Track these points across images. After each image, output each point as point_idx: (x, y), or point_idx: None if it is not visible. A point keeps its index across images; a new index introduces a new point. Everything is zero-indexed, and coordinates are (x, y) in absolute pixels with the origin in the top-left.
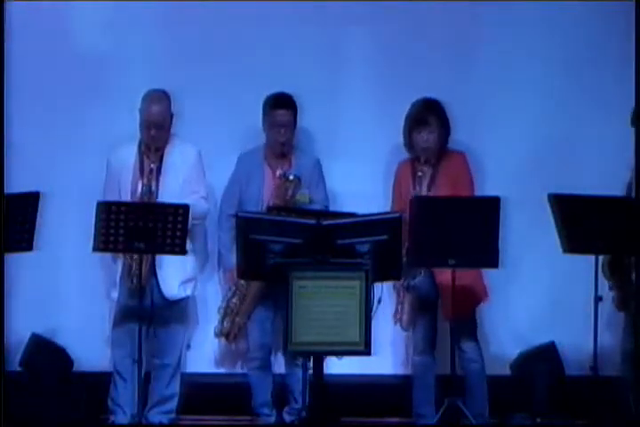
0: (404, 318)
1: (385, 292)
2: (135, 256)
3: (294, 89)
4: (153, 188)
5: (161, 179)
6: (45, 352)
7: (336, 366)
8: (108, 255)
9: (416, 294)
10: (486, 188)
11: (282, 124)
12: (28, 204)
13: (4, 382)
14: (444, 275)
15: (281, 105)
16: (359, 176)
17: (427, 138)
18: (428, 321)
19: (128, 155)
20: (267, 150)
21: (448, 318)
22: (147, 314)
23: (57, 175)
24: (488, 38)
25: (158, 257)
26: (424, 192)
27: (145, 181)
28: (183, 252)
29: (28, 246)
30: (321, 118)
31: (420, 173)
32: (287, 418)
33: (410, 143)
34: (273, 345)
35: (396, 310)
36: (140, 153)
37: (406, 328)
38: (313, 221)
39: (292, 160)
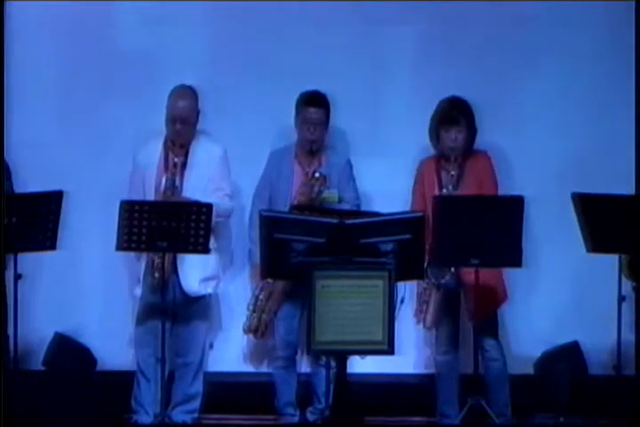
0: (428, 317)
1: (407, 291)
2: (156, 260)
3: (327, 88)
4: (177, 182)
5: (185, 174)
6: (68, 352)
7: (359, 365)
8: (131, 254)
9: (442, 294)
10: (509, 187)
11: (313, 121)
12: (52, 203)
13: (4, 382)
14: (469, 275)
15: (313, 103)
16: (392, 175)
17: (455, 137)
18: (452, 321)
19: (153, 151)
20: (297, 148)
21: (471, 317)
22: (169, 310)
23: (80, 174)
24: (516, 37)
25: (180, 257)
26: (451, 191)
27: (169, 175)
28: (206, 251)
29: (52, 245)
30: (355, 118)
31: (452, 172)
32: (311, 418)
33: (437, 142)
34: (299, 344)
35: (419, 310)
36: (165, 148)
37: (429, 328)
38: (336, 221)
39: (322, 158)
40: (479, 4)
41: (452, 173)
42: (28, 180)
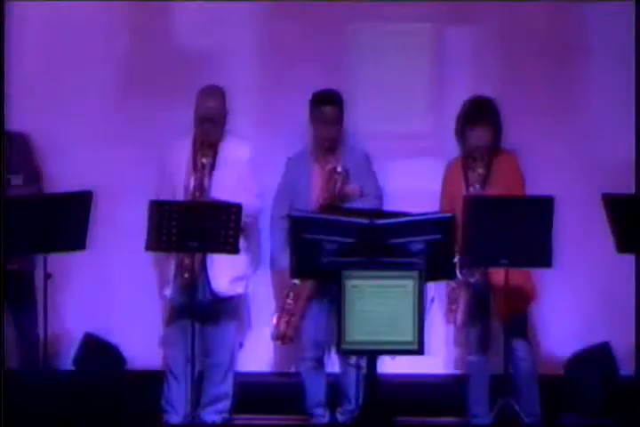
0: (459, 317)
1: (437, 291)
2: (186, 260)
3: (343, 86)
4: (205, 183)
5: (214, 174)
6: (98, 351)
7: (389, 365)
8: (160, 254)
9: (471, 294)
10: (535, 186)
11: (327, 120)
12: (81, 203)
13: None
14: (498, 274)
15: (326, 101)
16: (415, 174)
17: (480, 136)
18: (482, 321)
19: (182, 150)
20: (313, 147)
21: (500, 317)
22: (198, 311)
23: (110, 174)
24: (540, 36)
25: (209, 257)
26: (478, 191)
27: (197, 176)
28: (236, 251)
29: (81, 245)
30: (374, 116)
31: (479, 171)
32: (340, 418)
33: (462, 141)
34: (327, 344)
35: (449, 309)
36: (194, 149)
37: (460, 327)
38: (366, 221)
39: (339, 156)
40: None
41: (479, 171)
42: (58, 180)
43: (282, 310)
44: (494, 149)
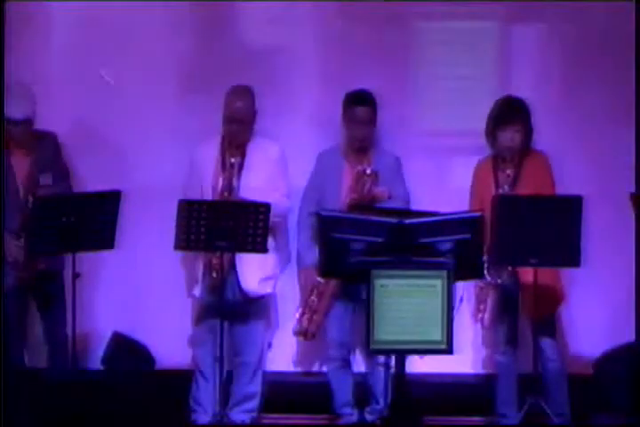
0: (486, 317)
1: (464, 291)
2: (215, 259)
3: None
4: (234, 183)
5: (242, 174)
6: (127, 350)
7: (417, 365)
8: (189, 254)
9: (499, 293)
10: (566, 187)
11: (360, 120)
12: (110, 202)
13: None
14: (528, 274)
15: (360, 101)
16: (446, 174)
17: (511, 137)
18: (510, 320)
19: (210, 150)
20: (345, 147)
21: (529, 317)
22: (227, 310)
23: (139, 173)
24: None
25: (238, 254)
26: (507, 191)
27: (225, 176)
28: (264, 250)
29: (110, 245)
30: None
31: (506, 173)
32: (369, 418)
33: (493, 142)
34: (352, 344)
35: (477, 309)
36: (222, 148)
37: (487, 327)
38: (394, 220)
39: (371, 157)
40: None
41: (509, 172)
42: (87, 179)
43: (305, 306)
44: (524, 149)
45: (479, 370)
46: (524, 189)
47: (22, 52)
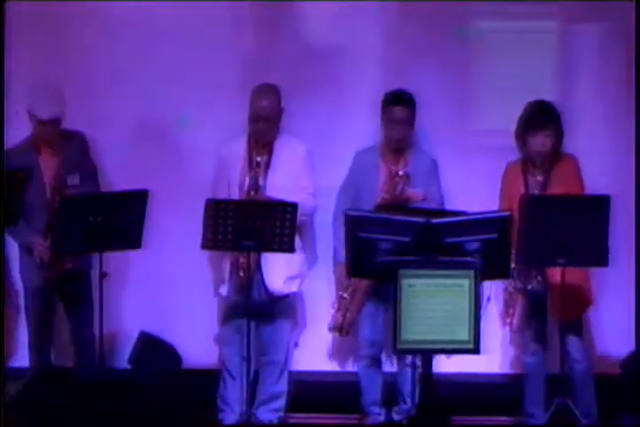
0: (515, 321)
1: (491, 290)
2: (241, 259)
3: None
4: (260, 182)
5: (269, 173)
6: (154, 350)
7: (445, 364)
8: (215, 254)
9: (528, 299)
10: (595, 189)
11: (398, 120)
12: (137, 201)
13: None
14: (556, 276)
15: (398, 102)
16: (475, 175)
17: (542, 142)
18: (539, 323)
19: (237, 149)
20: (382, 147)
21: (557, 319)
22: (254, 310)
23: (166, 173)
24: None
25: (264, 254)
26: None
27: (252, 175)
28: (291, 250)
29: (137, 244)
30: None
31: (535, 178)
32: (396, 418)
33: (523, 146)
34: (383, 343)
35: (506, 313)
36: (249, 147)
37: (516, 331)
38: (422, 220)
39: (407, 157)
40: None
41: (539, 177)
42: (115, 179)
43: (339, 302)
44: (555, 154)
45: (507, 370)
46: (554, 193)
47: (57, 52)
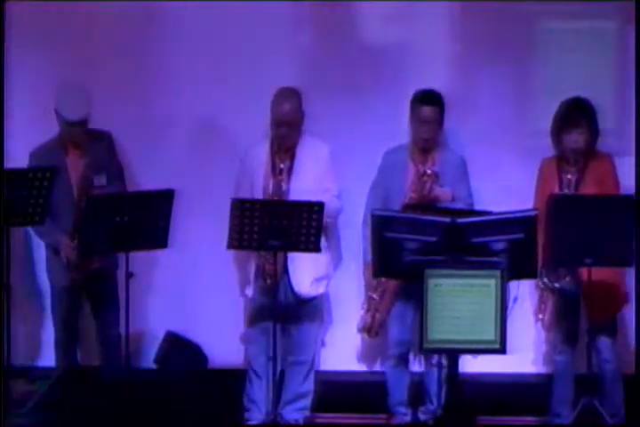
0: (546, 318)
1: (526, 289)
2: (268, 256)
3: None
4: (284, 188)
5: (292, 177)
6: (180, 349)
7: (472, 364)
8: (241, 254)
9: (560, 296)
10: (630, 189)
11: (427, 120)
12: (163, 201)
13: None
14: (590, 276)
15: (427, 101)
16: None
17: (576, 139)
18: (571, 322)
19: (260, 153)
20: (411, 146)
21: (590, 319)
22: (280, 312)
23: (192, 172)
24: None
25: (290, 256)
26: (568, 191)
27: (276, 181)
28: (317, 249)
29: (163, 244)
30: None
31: (569, 176)
32: (423, 417)
33: (558, 143)
34: (411, 343)
35: (539, 310)
36: (272, 152)
37: (548, 329)
38: (448, 220)
39: (436, 157)
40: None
41: (573, 175)
42: (141, 179)
43: (369, 303)
44: (589, 152)
45: (534, 370)
46: (587, 191)
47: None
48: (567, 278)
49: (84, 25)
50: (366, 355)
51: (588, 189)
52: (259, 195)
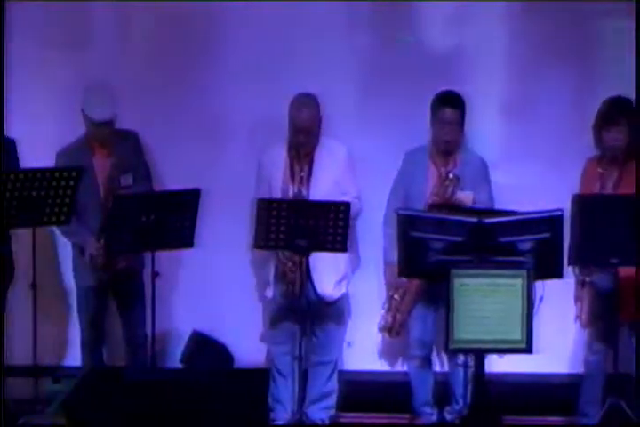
0: (583, 316)
1: (553, 289)
2: (289, 264)
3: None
4: (304, 192)
5: (312, 182)
6: (206, 349)
7: (498, 364)
8: (260, 255)
9: (595, 292)
10: None
11: (448, 121)
12: (189, 201)
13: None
14: (627, 273)
15: (448, 103)
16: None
17: (615, 137)
18: (607, 320)
19: (278, 157)
20: (432, 148)
21: (626, 318)
22: (304, 315)
23: (218, 172)
24: None
25: (312, 258)
26: (609, 191)
27: (296, 187)
28: (344, 249)
29: (189, 243)
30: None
31: (612, 172)
32: (448, 417)
33: (599, 142)
34: (434, 343)
35: (578, 308)
36: (290, 157)
37: (585, 326)
38: (474, 219)
39: (457, 159)
40: None
41: (612, 174)
42: (168, 178)
43: (389, 303)
44: (631, 149)
45: (560, 370)
46: (627, 189)
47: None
48: (599, 274)
49: (112, 26)
50: (390, 354)
51: (628, 187)
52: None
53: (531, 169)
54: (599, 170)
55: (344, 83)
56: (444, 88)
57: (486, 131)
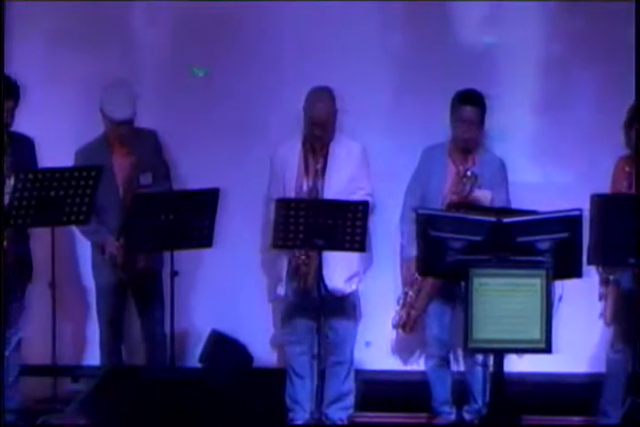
0: (607, 313)
1: (573, 290)
2: (302, 258)
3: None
4: (318, 187)
5: (326, 177)
6: (225, 348)
7: (516, 364)
8: (271, 253)
9: (619, 291)
10: None
11: (467, 120)
12: (208, 200)
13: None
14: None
15: (468, 101)
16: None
17: None
18: (630, 319)
19: (292, 152)
20: (451, 146)
21: None
22: (317, 311)
23: (238, 172)
24: None
25: (324, 255)
26: (634, 190)
27: (310, 181)
28: (363, 249)
29: (208, 243)
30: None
31: (633, 171)
32: (467, 417)
33: (628, 140)
34: (451, 343)
35: (601, 305)
36: (305, 151)
37: (609, 324)
38: (493, 219)
39: (476, 157)
40: None
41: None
42: (187, 178)
43: (404, 299)
44: None
45: (579, 369)
46: None
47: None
48: (623, 272)
49: (130, 23)
50: (404, 353)
51: None
52: (290, 194)
53: (561, 169)
54: (627, 169)
55: (376, 83)
56: (477, 88)
57: (517, 130)
